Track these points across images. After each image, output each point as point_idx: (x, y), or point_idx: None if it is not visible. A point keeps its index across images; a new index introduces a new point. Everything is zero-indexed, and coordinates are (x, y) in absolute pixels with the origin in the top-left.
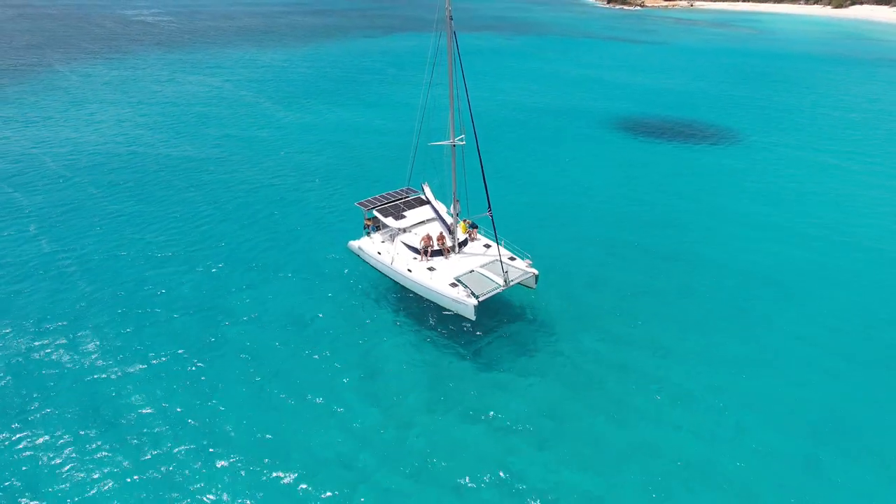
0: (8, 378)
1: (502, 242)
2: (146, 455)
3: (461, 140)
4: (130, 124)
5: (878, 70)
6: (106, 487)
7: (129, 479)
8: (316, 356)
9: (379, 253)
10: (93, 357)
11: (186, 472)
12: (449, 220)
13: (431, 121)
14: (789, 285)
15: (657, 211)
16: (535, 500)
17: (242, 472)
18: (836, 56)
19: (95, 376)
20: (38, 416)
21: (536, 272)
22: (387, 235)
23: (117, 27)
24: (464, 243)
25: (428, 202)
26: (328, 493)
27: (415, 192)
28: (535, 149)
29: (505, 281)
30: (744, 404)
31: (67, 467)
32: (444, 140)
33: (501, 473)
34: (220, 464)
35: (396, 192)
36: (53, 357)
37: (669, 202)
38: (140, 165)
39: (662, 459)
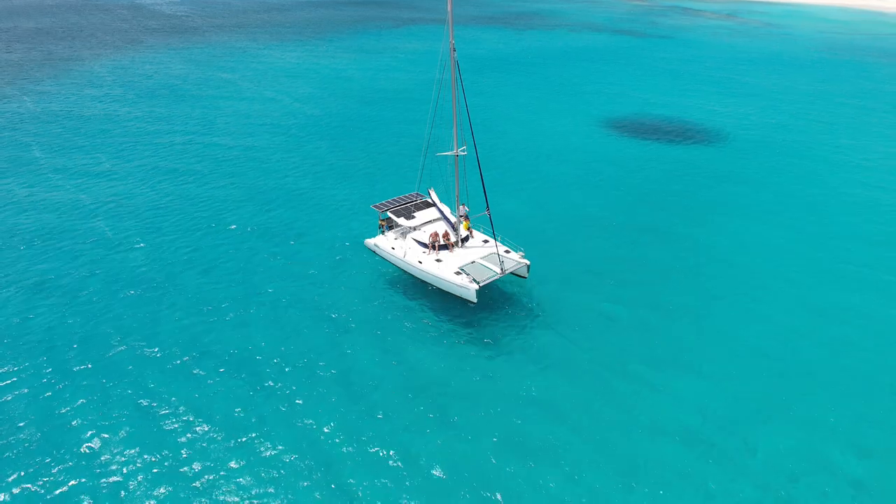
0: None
1: (499, 238)
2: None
3: (463, 151)
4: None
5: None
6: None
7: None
8: (341, 334)
9: (393, 248)
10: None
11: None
12: (453, 219)
13: (438, 128)
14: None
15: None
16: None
17: (298, 401)
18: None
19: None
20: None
21: (528, 262)
22: (399, 233)
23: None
24: (465, 239)
25: (434, 204)
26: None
27: (422, 196)
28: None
29: (501, 270)
30: (719, 369)
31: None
32: (449, 151)
33: (485, 411)
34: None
35: (406, 196)
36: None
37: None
38: None
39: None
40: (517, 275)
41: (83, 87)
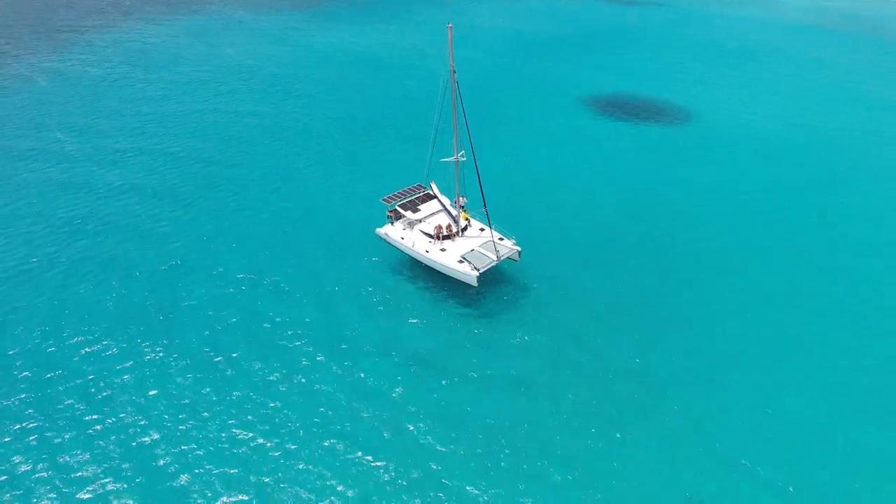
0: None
1: (494, 226)
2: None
3: (462, 156)
4: None
5: None
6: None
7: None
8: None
9: (402, 238)
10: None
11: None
12: (453, 211)
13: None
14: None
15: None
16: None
17: (320, 358)
18: None
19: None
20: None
21: (520, 249)
22: (406, 224)
23: None
24: (464, 229)
25: (435, 196)
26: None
27: (423, 188)
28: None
29: (497, 256)
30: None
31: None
32: (450, 157)
33: (474, 374)
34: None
35: (410, 189)
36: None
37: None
38: None
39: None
40: (510, 258)
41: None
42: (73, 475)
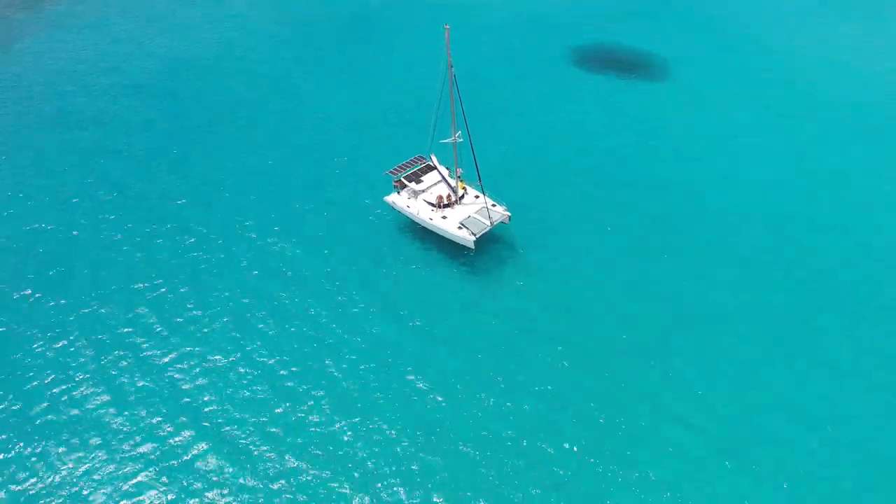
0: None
1: (487, 194)
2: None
3: (459, 138)
4: None
5: None
6: None
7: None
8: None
9: (408, 206)
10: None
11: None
12: (452, 182)
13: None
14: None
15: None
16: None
17: (341, 307)
18: None
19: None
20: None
21: (510, 214)
22: (411, 193)
23: None
24: (461, 197)
25: (435, 167)
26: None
27: (423, 159)
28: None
29: (490, 222)
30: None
31: None
32: (448, 138)
33: (473, 307)
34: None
35: (412, 161)
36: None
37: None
38: None
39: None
40: (502, 222)
41: None
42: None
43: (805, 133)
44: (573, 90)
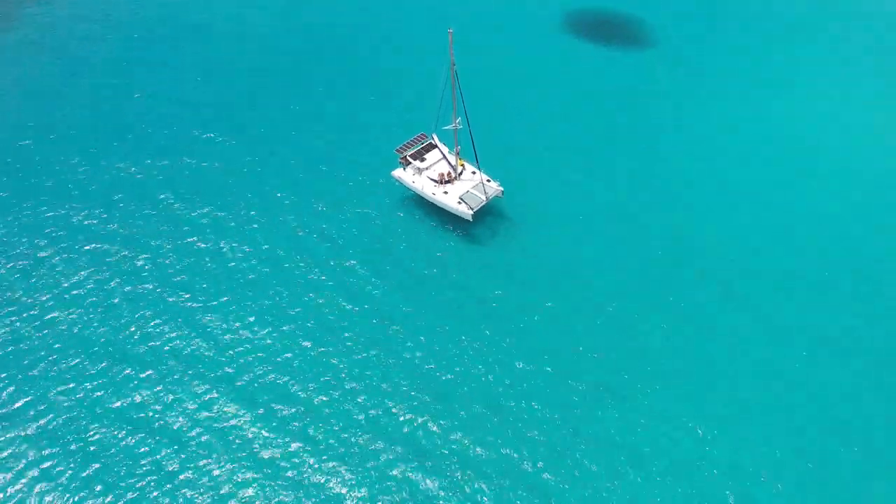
0: None
1: (483, 170)
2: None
3: (459, 125)
4: None
5: None
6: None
7: None
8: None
9: (413, 181)
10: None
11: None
12: (452, 160)
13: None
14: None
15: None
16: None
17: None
18: None
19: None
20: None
21: (503, 189)
22: (415, 170)
23: None
24: (460, 173)
25: (436, 146)
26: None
27: (426, 136)
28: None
29: (486, 196)
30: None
31: None
32: (449, 125)
33: (470, 267)
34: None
35: (415, 139)
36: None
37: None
38: None
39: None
40: (497, 196)
41: None
42: None
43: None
44: (565, 59)
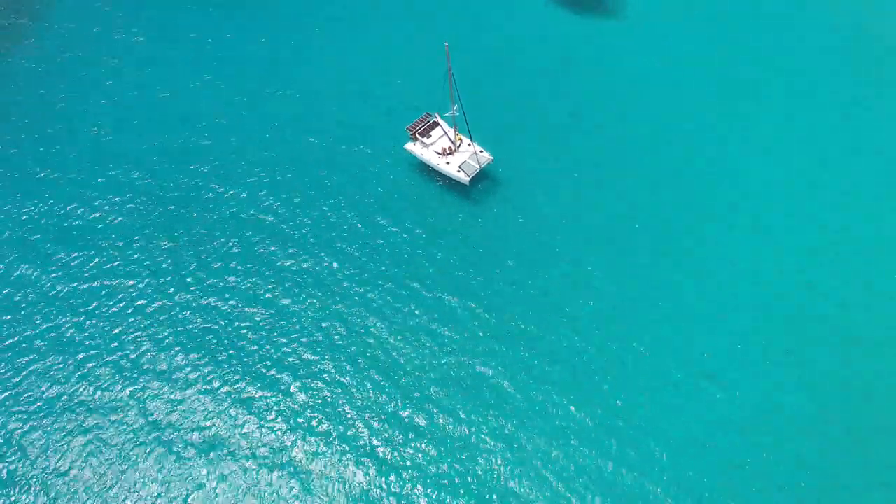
0: None
1: (476, 141)
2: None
3: (457, 111)
4: None
5: None
6: None
7: None
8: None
9: (423, 154)
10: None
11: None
12: (451, 134)
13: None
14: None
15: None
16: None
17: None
18: None
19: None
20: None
21: (492, 157)
22: (423, 145)
23: None
24: (458, 146)
25: (439, 124)
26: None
27: (431, 115)
28: None
29: (478, 165)
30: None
31: None
32: (448, 112)
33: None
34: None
35: (423, 118)
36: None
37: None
38: None
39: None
40: (489, 163)
41: None
42: None
43: None
44: (548, 28)
